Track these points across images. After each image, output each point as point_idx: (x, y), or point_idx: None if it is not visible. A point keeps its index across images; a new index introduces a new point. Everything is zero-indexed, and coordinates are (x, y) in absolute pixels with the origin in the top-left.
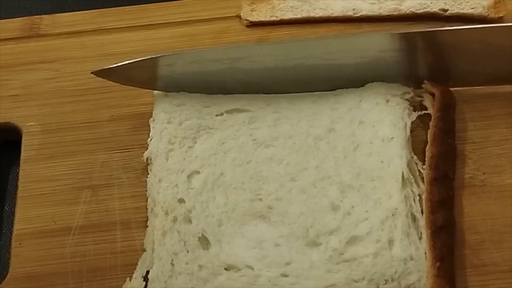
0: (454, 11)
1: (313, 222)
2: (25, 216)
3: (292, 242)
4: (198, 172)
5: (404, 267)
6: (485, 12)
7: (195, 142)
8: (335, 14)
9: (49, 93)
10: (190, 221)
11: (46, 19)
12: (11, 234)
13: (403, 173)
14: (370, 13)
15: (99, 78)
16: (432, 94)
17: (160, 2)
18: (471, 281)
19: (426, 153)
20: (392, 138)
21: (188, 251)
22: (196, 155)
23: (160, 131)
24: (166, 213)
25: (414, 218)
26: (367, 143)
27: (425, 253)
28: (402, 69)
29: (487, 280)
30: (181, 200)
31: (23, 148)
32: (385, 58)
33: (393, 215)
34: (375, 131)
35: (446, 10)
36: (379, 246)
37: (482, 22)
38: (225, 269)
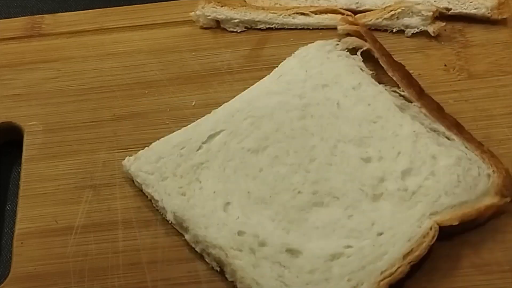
0: (457, 11)
1: (361, 181)
2: (27, 215)
3: (360, 208)
4: (228, 203)
5: (460, 168)
6: (488, 13)
7: (201, 182)
8: (339, 6)
9: (50, 93)
10: (265, 244)
11: (48, 18)
12: (13, 234)
13: (394, 103)
14: (373, 8)
15: (101, 78)
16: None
17: (161, 1)
18: (473, 280)
19: (395, 79)
20: (359, 83)
21: (284, 267)
22: (213, 191)
23: (164, 190)
24: (239, 250)
25: (433, 129)
26: (344, 98)
27: (466, 147)
28: None
29: (489, 280)
30: (241, 233)
31: (25, 147)
32: None
33: (416, 136)
34: (341, 85)
35: (449, 9)
36: (428, 166)
37: (484, 23)
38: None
